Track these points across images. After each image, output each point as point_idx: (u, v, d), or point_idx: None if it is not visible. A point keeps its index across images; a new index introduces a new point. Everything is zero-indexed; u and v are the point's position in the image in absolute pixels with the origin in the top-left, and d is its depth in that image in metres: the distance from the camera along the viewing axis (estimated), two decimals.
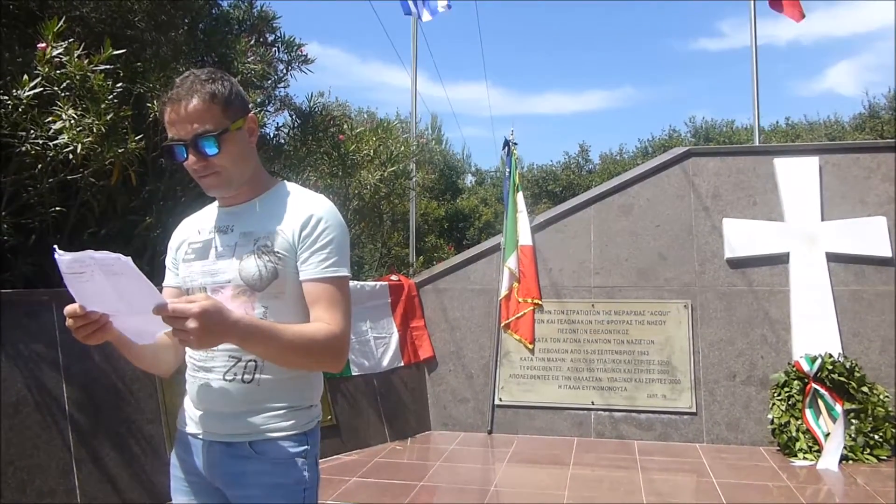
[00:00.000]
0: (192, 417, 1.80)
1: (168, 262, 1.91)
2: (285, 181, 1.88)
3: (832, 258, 5.94)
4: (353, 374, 5.80)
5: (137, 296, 1.39)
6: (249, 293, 1.70)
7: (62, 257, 1.38)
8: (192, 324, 1.38)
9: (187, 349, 1.78)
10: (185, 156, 1.68)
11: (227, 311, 1.47)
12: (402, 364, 6.32)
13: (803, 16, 7.67)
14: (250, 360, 1.69)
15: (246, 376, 1.70)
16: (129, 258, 1.35)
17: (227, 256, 1.74)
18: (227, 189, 1.76)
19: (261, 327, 1.56)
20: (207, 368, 1.73)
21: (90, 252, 1.36)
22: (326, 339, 1.64)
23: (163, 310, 1.38)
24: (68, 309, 1.49)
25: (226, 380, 1.70)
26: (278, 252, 1.70)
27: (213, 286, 1.74)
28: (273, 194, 1.82)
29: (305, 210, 1.74)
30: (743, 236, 6.14)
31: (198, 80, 1.68)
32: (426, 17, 7.94)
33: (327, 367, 1.71)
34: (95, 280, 1.39)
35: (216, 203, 1.87)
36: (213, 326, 1.41)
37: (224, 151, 1.69)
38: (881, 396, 5.39)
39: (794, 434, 5.39)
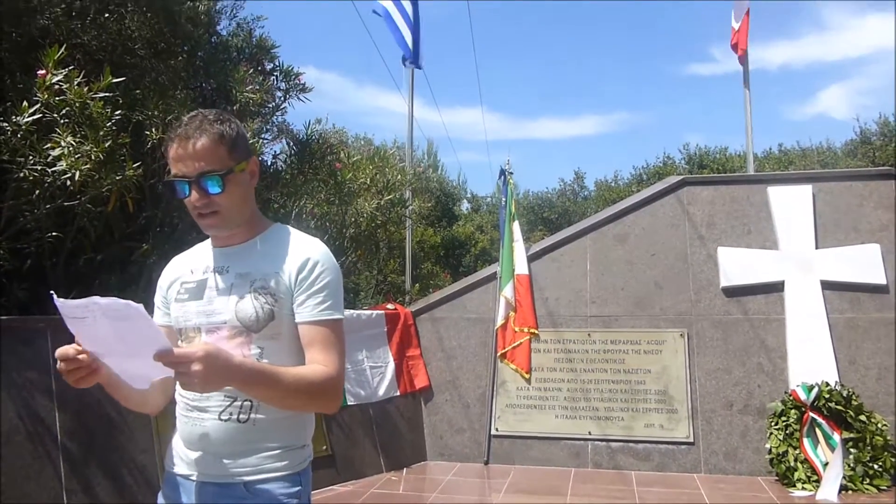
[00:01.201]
0: (182, 458, 1.77)
1: (157, 300, 1.91)
2: (280, 223, 1.89)
3: (827, 286, 5.95)
4: (349, 403, 5.75)
5: (140, 340, 1.39)
6: (246, 334, 1.70)
7: (64, 304, 1.39)
8: (196, 367, 1.39)
9: (178, 389, 1.77)
10: (188, 193, 1.70)
11: (229, 354, 1.49)
12: (398, 393, 6.27)
13: (743, 50, 7.79)
14: (246, 400, 1.69)
15: (241, 416, 1.69)
16: (141, 305, 1.36)
17: (224, 297, 1.74)
18: (225, 229, 1.77)
19: (262, 371, 1.57)
20: (202, 408, 1.71)
21: (95, 298, 1.36)
22: (324, 381, 1.66)
23: (166, 355, 1.38)
24: (59, 351, 1.49)
25: (221, 419, 1.70)
26: (275, 294, 1.71)
27: (209, 326, 1.74)
28: (269, 237, 1.83)
29: (302, 253, 1.76)
30: (738, 265, 6.15)
31: (206, 120, 1.71)
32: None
33: (323, 408, 1.73)
34: (97, 324, 1.40)
35: (208, 242, 1.88)
36: (216, 370, 1.43)
37: (227, 192, 1.70)
38: (879, 425, 5.37)
39: (792, 464, 5.35)
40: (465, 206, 23.84)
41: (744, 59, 7.76)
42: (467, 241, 17.09)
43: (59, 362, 1.50)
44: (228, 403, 1.69)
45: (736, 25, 7.77)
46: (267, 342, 1.71)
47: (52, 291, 1.47)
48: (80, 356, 1.49)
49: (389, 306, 6.65)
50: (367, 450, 5.80)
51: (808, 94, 47.19)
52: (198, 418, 1.72)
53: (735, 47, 7.78)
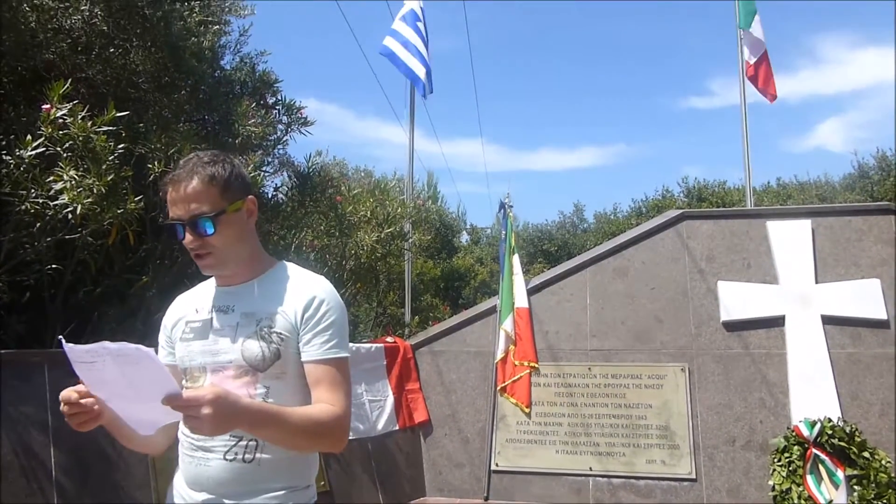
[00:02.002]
0: (184, 498, 1.76)
1: (161, 339, 1.91)
2: (284, 261, 1.90)
3: (828, 321, 5.93)
4: (349, 437, 5.69)
5: (149, 384, 1.40)
6: (251, 374, 1.70)
7: (73, 348, 1.40)
8: (206, 410, 1.39)
9: (182, 428, 1.76)
10: (183, 234, 1.71)
11: (238, 397, 1.49)
12: (397, 428, 6.21)
13: (775, 97, 7.91)
14: (251, 440, 1.68)
15: (247, 456, 1.68)
16: (152, 350, 1.36)
17: (229, 337, 1.74)
18: (222, 269, 1.78)
19: (270, 412, 1.56)
20: (207, 448, 1.70)
21: (105, 343, 1.37)
22: (331, 420, 1.65)
23: (175, 399, 1.38)
24: (63, 395, 1.50)
25: (226, 459, 1.68)
26: (281, 333, 1.71)
27: (214, 366, 1.73)
28: (273, 275, 1.83)
29: (308, 292, 1.76)
30: (738, 299, 6.14)
31: (199, 163, 1.73)
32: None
33: (330, 447, 1.73)
34: (106, 369, 1.40)
35: (213, 280, 1.88)
36: (226, 413, 1.43)
37: (220, 232, 1.71)
38: (883, 462, 5.31)
39: (796, 501, 5.28)
40: (464, 238, 23.89)
41: (769, 96, 7.82)
42: (467, 274, 17.07)
43: (61, 405, 1.50)
44: (234, 443, 1.68)
45: (751, 59, 7.84)
46: (272, 381, 1.70)
47: (61, 336, 1.48)
48: (84, 400, 1.49)
49: (389, 339, 6.62)
50: (365, 485, 5.73)
51: (805, 127, 47.72)
52: (202, 458, 1.71)
53: (753, 79, 7.85)
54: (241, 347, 1.71)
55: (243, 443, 1.68)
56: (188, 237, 1.71)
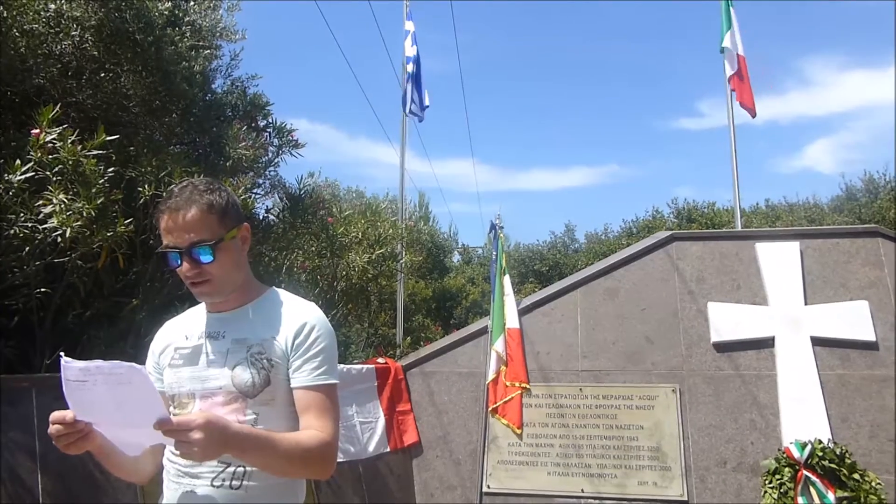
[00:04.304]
0: None
1: (149, 365, 1.91)
2: (275, 288, 1.91)
3: (817, 342, 5.95)
4: (339, 460, 5.64)
5: (138, 407, 1.40)
6: (241, 400, 1.71)
7: (69, 365, 1.41)
8: (196, 435, 1.40)
9: (168, 455, 1.76)
10: (180, 262, 1.72)
11: (228, 422, 1.50)
12: (388, 450, 6.17)
13: (752, 113, 7.91)
14: (239, 466, 1.69)
15: (234, 482, 1.68)
16: (144, 367, 1.37)
17: (219, 363, 1.75)
18: (218, 296, 1.79)
19: (259, 437, 1.57)
20: (194, 474, 1.70)
21: (98, 362, 1.39)
22: (319, 447, 1.66)
23: (165, 424, 1.39)
24: (56, 415, 1.50)
25: (213, 486, 1.68)
26: (271, 359, 1.72)
27: (203, 392, 1.74)
28: (264, 301, 1.85)
29: (298, 318, 1.77)
30: (728, 320, 6.16)
31: (196, 191, 1.74)
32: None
33: (317, 474, 1.73)
34: (96, 390, 1.41)
35: (202, 307, 1.88)
36: (216, 438, 1.44)
37: (218, 260, 1.73)
38: (873, 484, 5.31)
39: None
40: (456, 257, 23.92)
41: (751, 111, 7.80)
42: (458, 294, 17.10)
43: (51, 426, 1.50)
44: (221, 470, 1.68)
45: (729, 71, 7.84)
46: (262, 408, 1.71)
47: (62, 353, 1.48)
48: (76, 420, 1.49)
49: (380, 360, 6.60)
50: None
51: (794, 148, 48.26)
52: (189, 484, 1.70)
53: (738, 96, 7.83)
54: (232, 374, 1.72)
55: (230, 469, 1.68)
56: (185, 265, 1.72)
